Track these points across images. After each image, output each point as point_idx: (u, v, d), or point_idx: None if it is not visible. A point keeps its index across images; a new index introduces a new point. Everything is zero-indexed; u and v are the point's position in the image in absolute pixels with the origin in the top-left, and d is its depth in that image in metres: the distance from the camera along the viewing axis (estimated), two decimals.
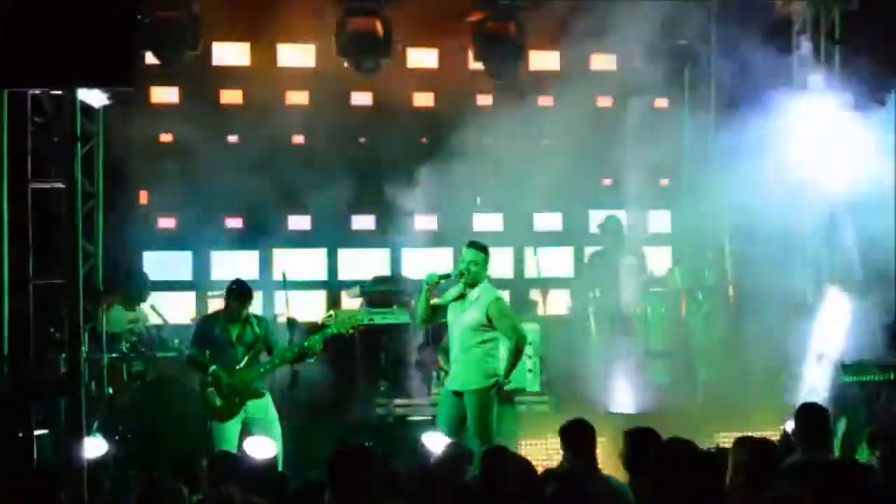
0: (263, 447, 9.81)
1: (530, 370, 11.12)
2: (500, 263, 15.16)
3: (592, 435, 7.69)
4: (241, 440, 10.32)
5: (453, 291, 10.27)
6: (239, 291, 10.72)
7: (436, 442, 9.86)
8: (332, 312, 12.97)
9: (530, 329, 11.17)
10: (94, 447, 9.74)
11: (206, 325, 10.90)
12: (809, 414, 7.81)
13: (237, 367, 10.53)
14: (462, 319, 10.18)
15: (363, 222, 15.26)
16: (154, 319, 12.73)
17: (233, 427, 10.51)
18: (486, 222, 15.44)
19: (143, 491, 7.02)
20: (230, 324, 10.69)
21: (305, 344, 10.61)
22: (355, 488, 6.43)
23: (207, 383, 10.58)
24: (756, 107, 13.17)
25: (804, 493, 5.57)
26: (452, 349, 10.28)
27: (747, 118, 13.05)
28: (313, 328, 11.35)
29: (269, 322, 10.99)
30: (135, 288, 12.78)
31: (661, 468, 6.14)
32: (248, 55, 14.85)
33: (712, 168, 14.36)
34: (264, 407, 10.61)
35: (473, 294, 10.15)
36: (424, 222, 15.03)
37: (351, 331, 10.87)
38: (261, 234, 14.63)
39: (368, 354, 12.37)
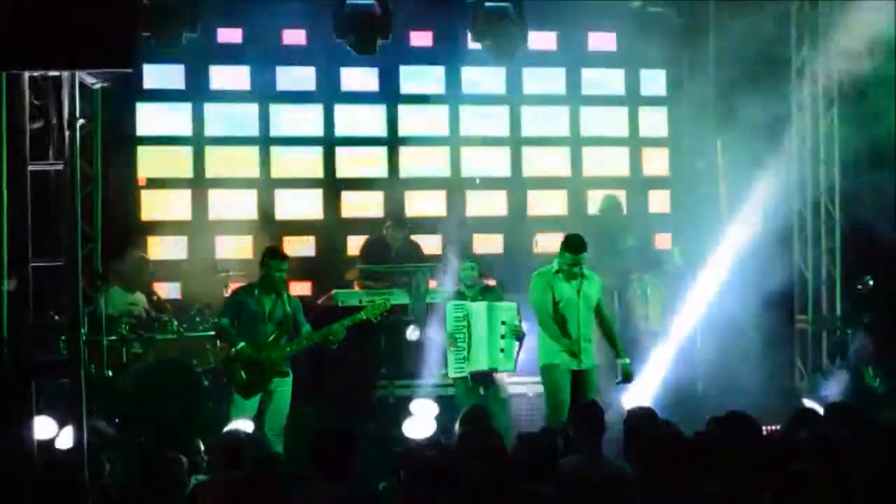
0: (243, 425, 9.86)
1: (502, 350, 11.07)
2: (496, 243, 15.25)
3: (601, 416, 7.72)
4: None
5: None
6: (272, 254, 10.79)
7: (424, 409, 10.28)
8: (335, 291, 12.98)
9: (504, 307, 11.17)
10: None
11: (240, 296, 10.88)
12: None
13: (265, 343, 10.56)
14: (585, 298, 10.50)
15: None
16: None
17: (253, 402, 10.56)
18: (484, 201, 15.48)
19: (144, 466, 7.05)
20: (264, 296, 10.70)
21: (333, 328, 10.65)
22: (337, 471, 6.48)
23: (233, 358, 10.59)
24: (755, 85, 13.23)
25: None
26: (574, 328, 10.46)
27: (747, 97, 13.10)
28: (340, 312, 11.41)
29: (300, 304, 11.01)
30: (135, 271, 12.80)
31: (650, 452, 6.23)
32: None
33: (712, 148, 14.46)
34: (285, 385, 10.65)
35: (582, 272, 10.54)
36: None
37: (380, 317, 10.97)
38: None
39: (367, 336, 12.33)
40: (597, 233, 13.94)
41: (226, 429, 9.64)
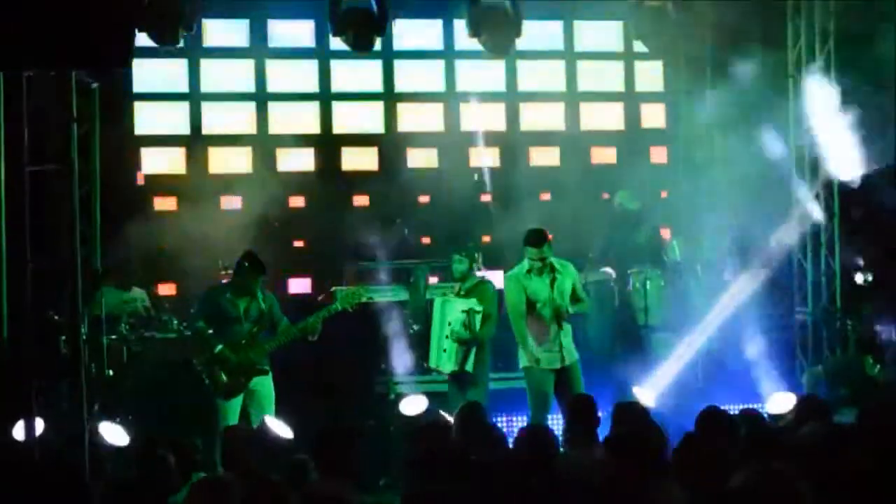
0: (282, 428, 9.85)
1: (444, 350, 10.99)
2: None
3: (593, 409, 7.73)
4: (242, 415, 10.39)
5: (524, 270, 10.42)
6: (252, 264, 10.64)
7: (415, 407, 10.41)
8: (335, 289, 13.01)
9: (455, 306, 11.05)
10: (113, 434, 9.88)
11: (212, 297, 10.80)
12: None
13: (242, 343, 10.51)
14: (560, 294, 10.40)
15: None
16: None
17: (237, 403, 10.51)
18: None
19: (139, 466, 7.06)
20: (238, 297, 10.62)
21: (309, 322, 10.61)
22: (340, 468, 6.48)
23: (213, 361, 10.55)
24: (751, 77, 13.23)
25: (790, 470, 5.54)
26: (553, 326, 10.40)
27: (742, 89, 13.12)
28: (317, 305, 11.36)
29: (275, 299, 10.94)
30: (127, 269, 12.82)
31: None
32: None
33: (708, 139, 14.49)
34: (265, 383, 10.60)
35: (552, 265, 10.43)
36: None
37: (355, 306, 10.89)
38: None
39: (367, 332, 12.35)
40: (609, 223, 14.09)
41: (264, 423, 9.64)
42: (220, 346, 10.46)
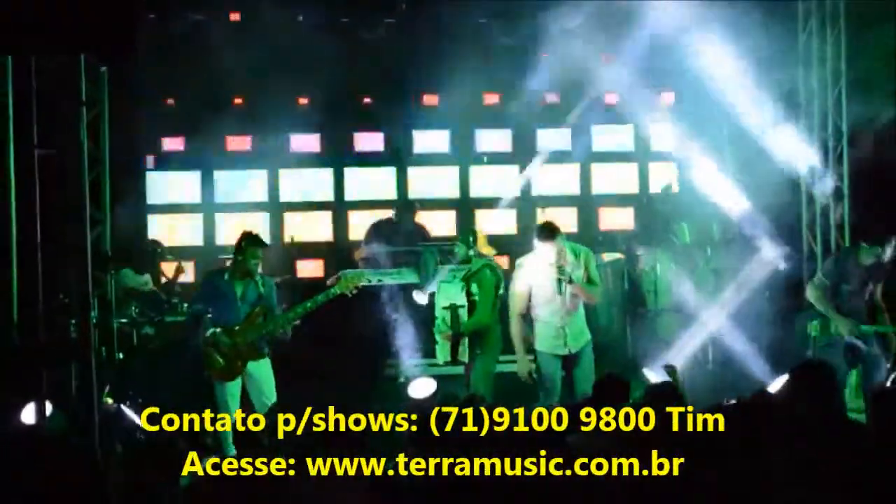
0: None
1: (437, 341, 10.93)
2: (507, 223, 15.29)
3: (621, 387, 7.72)
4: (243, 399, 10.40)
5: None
6: (248, 241, 10.56)
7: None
8: (342, 272, 13.02)
9: (445, 295, 10.91)
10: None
11: (212, 281, 10.75)
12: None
13: (237, 328, 10.48)
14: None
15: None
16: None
17: (235, 386, 10.48)
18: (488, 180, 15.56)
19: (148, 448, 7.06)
20: (236, 280, 10.59)
21: (306, 306, 10.55)
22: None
23: (208, 343, 10.53)
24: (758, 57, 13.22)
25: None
26: (558, 316, 10.30)
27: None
28: (319, 288, 11.33)
29: (273, 285, 10.88)
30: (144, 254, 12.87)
31: None
32: None
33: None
34: (263, 366, 10.56)
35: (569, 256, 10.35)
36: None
37: (354, 291, 10.80)
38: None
39: (376, 316, 12.35)
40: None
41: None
42: (212, 329, 10.43)
